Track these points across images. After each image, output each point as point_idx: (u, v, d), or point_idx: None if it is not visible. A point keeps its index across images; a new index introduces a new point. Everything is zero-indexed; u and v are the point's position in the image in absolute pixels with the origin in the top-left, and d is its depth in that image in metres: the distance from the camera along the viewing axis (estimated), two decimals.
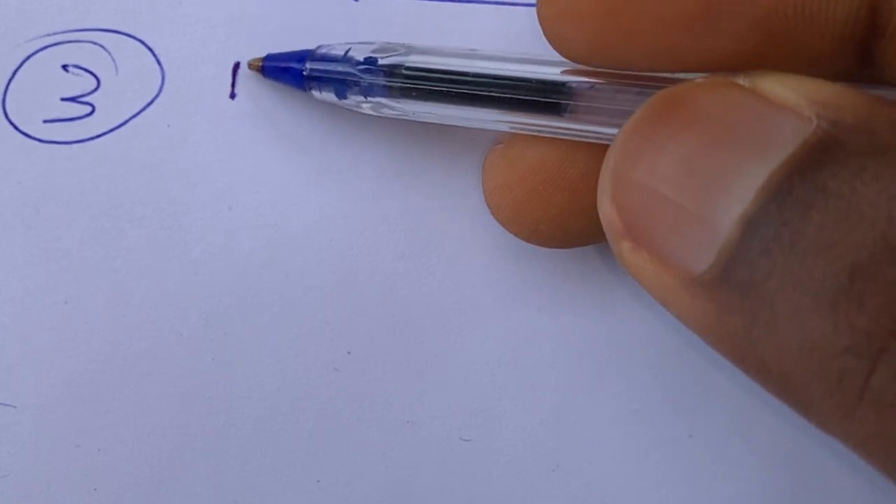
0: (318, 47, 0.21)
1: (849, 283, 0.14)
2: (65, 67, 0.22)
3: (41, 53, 0.22)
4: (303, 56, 0.21)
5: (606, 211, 0.17)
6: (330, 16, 0.22)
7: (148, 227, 0.22)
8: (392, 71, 0.20)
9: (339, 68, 0.20)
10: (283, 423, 0.23)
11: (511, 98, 0.19)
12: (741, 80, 0.16)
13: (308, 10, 0.22)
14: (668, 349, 0.23)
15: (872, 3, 0.17)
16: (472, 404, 0.23)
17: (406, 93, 0.20)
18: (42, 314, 0.22)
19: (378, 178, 0.23)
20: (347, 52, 0.20)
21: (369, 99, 0.20)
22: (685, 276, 0.15)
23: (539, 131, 0.19)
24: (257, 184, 0.22)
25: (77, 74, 0.22)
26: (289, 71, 0.21)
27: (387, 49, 0.20)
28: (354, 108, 0.21)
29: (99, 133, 0.22)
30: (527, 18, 0.22)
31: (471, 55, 0.20)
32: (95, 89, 0.22)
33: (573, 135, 0.19)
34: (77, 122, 0.22)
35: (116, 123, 0.22)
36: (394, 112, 0.20)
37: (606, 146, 0.17)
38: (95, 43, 0.22)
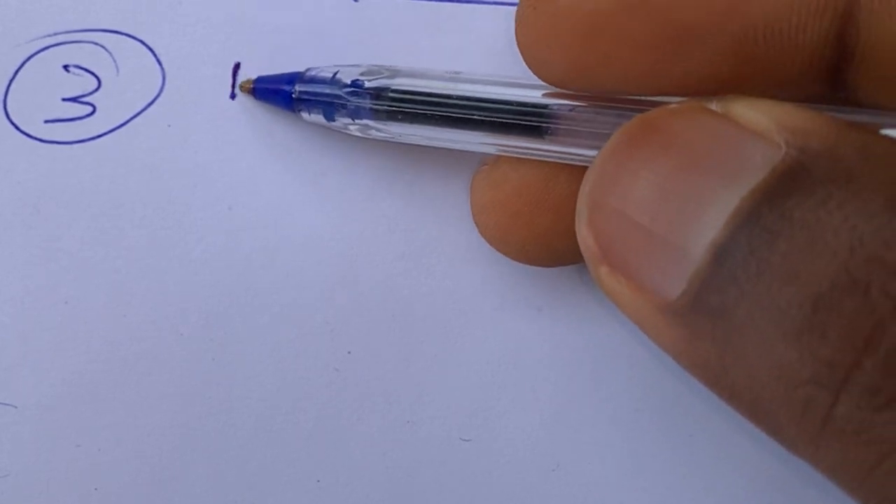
0: (308, 70, 0.21)
1: (812, 313, 0.14)
2: (66, 67, 0.22)
3: (42, 53, 0.22)
4: (293, 78, 0.21)
5: (584, 236, 0.17)
6: (330, 16, 0.22)
7: (148, 227, 0.22)
8: (378, 94, 0.20)
9: (327, 90, 0.21)
10: (283, 423, 0.23)
11: (494, 120, 0.19)
12: (714, 106, 0.16)
13: (308, 10, 0.22)
14: None
15: (841, 28, 0.17)
16: (472, 404, 0.23)
17: (392, 115, 0.20)
18: (42, 314, 0.22)
19: (378, 177, 0.23)
20: (335, 74, 0.21)
21: (356, 121, 0.21)
22: (660, 302, 0.16)
23: (522, 153, 0.20)
24: (257, 184, 0.22)
25: (78, 74, 0.22)
26: (279, 93, 0.22)
27: (373, 72, 0.20)
28: (342, 130, 0.21)
29: (100, 133, 0.22)
30: None
31: (455, 78, 0.20)
32: (96, 89, 0.22)
33: (555, 157, 0.19)
34: (78, 122, 0.22)
35: (117, 123, 0.22)
36: (381, 134, 0.21)
37: (588, 168, 0.17)
38: (96, 43, 0.22)
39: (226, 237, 0.22)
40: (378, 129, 0.20)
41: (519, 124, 0.19)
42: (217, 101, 0.22)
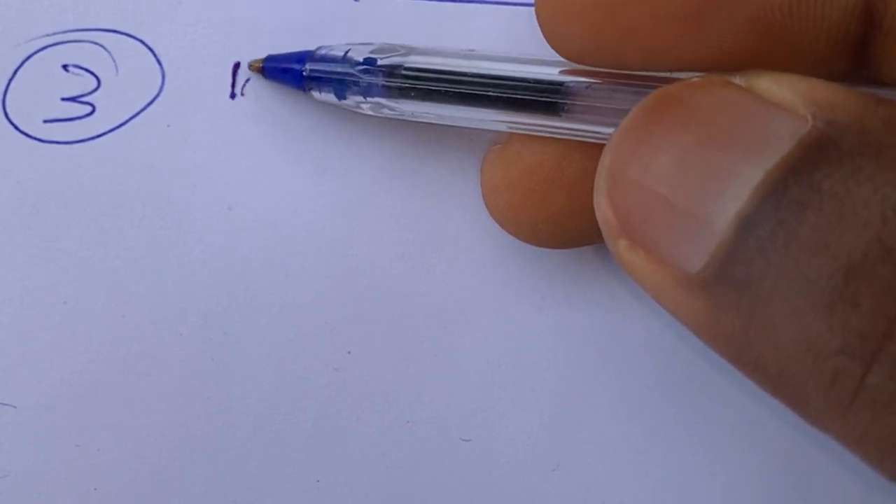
0: (318, 48, 0.21)
1: (843, 284, 0.14)
2: (65, 67, 0.22)
3: (41, 53, 0.22)
4: (303, 57, 0.21)
5: (602, 209, 0.17)
6: (330, 16, 0.22)
7: (148, 227, 0.22)
8: (391, 71, 0.20)
9: (339, 69, 0.20)
10: (282, 423, 0.23)
11: (509, 97, 0.19)
12: (737, 80, 0.16)
13: (308, 10, 0.22)
14: (668, 349, 0.23)
15: (868, 0, 0.17)
16: (472, 404, 0.23)
17: (405, 93, 0.20)
18: (42, 314, 0.22)
19: (378, 177, 0.23)
20: (347, 52, 0.20)
21: (368, 99, 0.20)
22: (681, 275, 0.15)
23: (537, 131, 0.19)
24: (257, 184, 0.22)
25: (77, 74, 0.22)
26: (289, 72, 0.21)
27: (386, 50, 0.20)
28: (354, 109, 0.21)
29: (99, 133, 0.22)
30: (527, 18, 0.22)
31: (469, 55, 0.20)
32: (96, 89, 0.22)
33: (570, 134, 0.19)
34: (77, 121, 0.22)
35: (116, 123, 0.22)
36: (393, 112, 0.20)
37: (603, 146, 0.17)
38: (96, 43, 0.22)
39: (225, 237, 0.22)
40: (390, 108, 0.20)
41: (535, 101, 0.19)
42: (217, 101, 0.22)
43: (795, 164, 0.14)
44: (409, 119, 0.21)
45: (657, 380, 0.23)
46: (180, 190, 0.22)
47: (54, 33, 0.22)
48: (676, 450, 0.23)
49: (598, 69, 0.18)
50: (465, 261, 0.23)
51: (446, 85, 0.19)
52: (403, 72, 0.20)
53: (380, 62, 0.20)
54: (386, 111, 0.20)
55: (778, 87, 0.15)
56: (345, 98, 0.21)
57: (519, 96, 0.19)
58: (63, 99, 0.22)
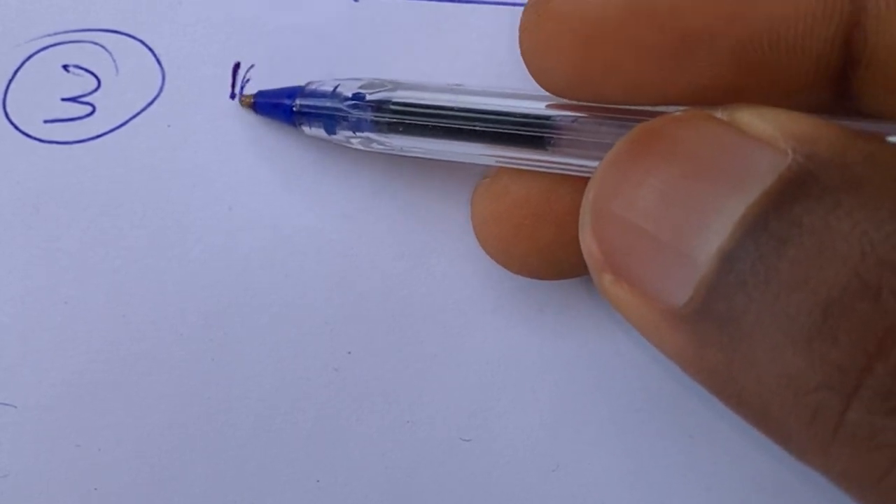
0: (308, 83, 0.21)
1: (822, 319, 0.14)
2: (65, 67, 0.22)
3: (42, 53, 0.22)
4: (293, 92, 0.21)
5: (587, 243, 0.17)
6: (330, 16, 0.22)
7: (148, 227, 0.22)
8: (380, 106, 0.20)
9: (328, 104, 0.21)
10: (282, 423, 0.23)
11: (496, 132, 0.19)
12: (719, 114, 0.16)
13: (308, 10, 0.22)
14: None
15: (847, 34, 0.17)
16: (472, 404, 0.23)
17: (393, 128, 0.20)
18: (42, 314, 0.22)
19: (378, 177, 0.23)
20: (336, 87, 0.21)
21: (358, 134, 0.21)
22: (665, 309, 0.15)
23: (524, 165, 0.20)
24: (257, 184, 0.22)
25: (77, 74, 0.22)
26: (279, 107, 0.22)
27: (374, 85, 0.20)
28: (344, 143, 0.21)
29: (99, 133, 0.22)
30: None
31: (456, 90, 0.20)
32: (96, 89, 0.22)
33: (558, 168, 0.19)
34: (77, 122, 0.22)
35: (117, 123, 0.22)
36: (382, 147, 0.21)
37: (590, 178, 0.17)
38: (96, 43, 0.22)
39: (226, 237, 0.22)
40: (380, 142, 0.20)
41: (521, 135, 0.19)
42: (217, 101, 0.22)
43: (776, 199, 0.14)
44: (399, 154, 0.21)
45: (657, 380, 0.23)
46: (180, 190, 0.22)
47: (55, 33, 0.22)
48: (676, 451, 0.23)
49: (583, 103, 0.19)
50: (466, 261, 0.23)
51: (434, 119, 0.20)
52: (392, 106, 0.20)
53: (368, 97, 0.20)
54: (375, 146, 0.21)
55: (759, 121, 0.15)
56: (335, 133, 0.21)
57: (506, 130, 0.19)
58: (63, 99, 0.22)
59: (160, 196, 0.22)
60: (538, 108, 0.19)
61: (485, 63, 0.22)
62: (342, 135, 0.21)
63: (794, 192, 0.14)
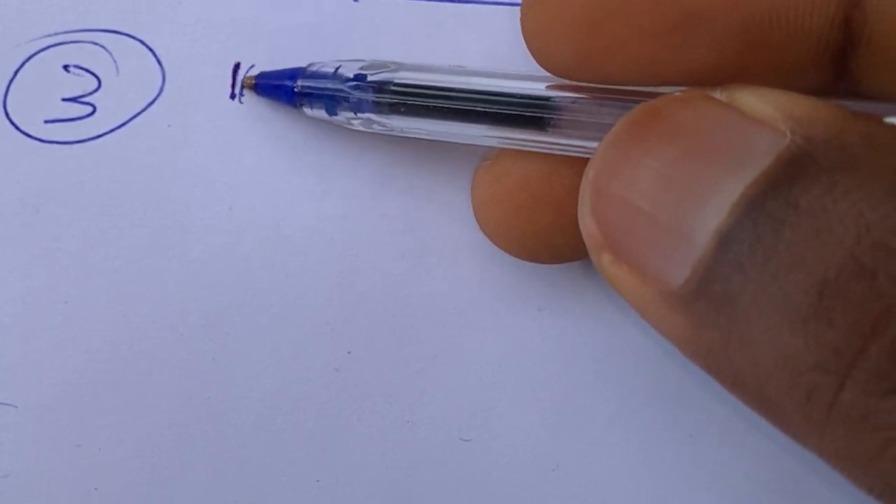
0: (310, 65, 0.21)
1: (818, 300, 0.14)
2: (66, 68, 0.22)
3: (42, 54, 0.22)
4: (294, 74, 0.21)
5: (586, 223, 0.17)
6: (330, 16, 0.22)
7: (148, 227, 0.22)
8: (381, 87, 0.20)
9: (329, 85, 0.21)
10: (283, 423, 0.23)
11: (496, 113, 0.19)
12: (718, 94, 0.16)
13: (308, 10, 0.22)
14: (668, 349, 0.23)
15: (847, 13, 0.17)
16: (472, 404, 0.23)
17: (395, 108, 0.20)
18: (42, 314, 0.22)
19: (378, 177, 0.23)
20: (337, 69, 0.21)
21: (359, 115, 0.21)
22: (663, 290, 0.15)
23: (525, 146, 0.20)
24: (257, 184, 0.22)
25: (78, 75, 0.22)
26: (280, 88, 0.22)
27: (376, 66, 0.20)
28: (345, 125, 0.21)
29: (100, 133, 0.22)
30: None
31: (457, 71, 0.20)
32: (96, 89, 0.22)
33: (558, 149, 0.19)
34: (78, 122, 0.22)
35: (117, 123, 0.22)
36: (383, 128, 0.21)
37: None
38: (96, 43, 0.22)
39: (226, 237, 0.22)
40: (380, 123, 0.20)
41: (522, 116, 0.19)
42: (217, 101, 0.22)
43: (774, 180, 0.14)
44: (399, 135, 0.21)
45: (657, 380, 0.23)
46: (180, 190, 0.22)
47: (55, 34, 0.22)
48: (676, 450, 0.23)
49: (584, 84, 0.19)
50: (466, 260, 0.23)
51: (435, 100, 0.20)
52: (393, 87, 0.20)
53: (370, 78, 0.20)
54: (376, 127, 0.21)
55: (758, 102, 0.15)
56: (336, 114, 0.21)
57: (506, 111, 0.19)
58: (64, 99, 0.22)
59: (160, 196, 0.22)
60: (538, 88, 0.19)
61: (485, 63, 0.22)
62: (343, 116, 0.21)
63: (791, 172, 0.14)
